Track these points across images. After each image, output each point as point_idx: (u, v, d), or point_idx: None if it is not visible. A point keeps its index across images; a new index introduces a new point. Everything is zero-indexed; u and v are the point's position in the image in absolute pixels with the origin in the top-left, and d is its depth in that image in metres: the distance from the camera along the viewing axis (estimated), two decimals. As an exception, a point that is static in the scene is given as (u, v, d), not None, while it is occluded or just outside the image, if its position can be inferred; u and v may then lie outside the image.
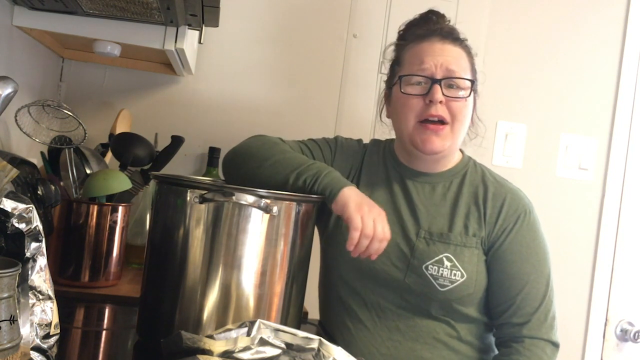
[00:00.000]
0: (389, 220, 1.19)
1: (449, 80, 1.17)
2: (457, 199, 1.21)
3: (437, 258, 1.16)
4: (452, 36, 1.21)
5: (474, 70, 1.23)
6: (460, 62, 1.19)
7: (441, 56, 1.18)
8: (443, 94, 1.16)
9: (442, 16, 1.28)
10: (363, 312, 1.20)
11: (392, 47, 1.30)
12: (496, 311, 1.19)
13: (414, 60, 1.20)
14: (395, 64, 1.26)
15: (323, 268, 1.30)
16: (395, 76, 1.23)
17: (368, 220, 1.01)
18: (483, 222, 1.19)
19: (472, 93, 1.19)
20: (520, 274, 1.17)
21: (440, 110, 1.16)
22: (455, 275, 1.14)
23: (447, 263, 1.15)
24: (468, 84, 1.18)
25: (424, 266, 1.15)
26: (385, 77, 1.32)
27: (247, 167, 1.17)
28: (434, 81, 1.16)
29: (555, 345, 1.17)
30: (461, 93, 1.18)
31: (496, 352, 1.23)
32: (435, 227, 1.19)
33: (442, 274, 1.14)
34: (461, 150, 1.30)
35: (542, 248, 1.20)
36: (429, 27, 1.24)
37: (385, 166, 1.28)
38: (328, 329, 1.26)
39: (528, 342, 1.16)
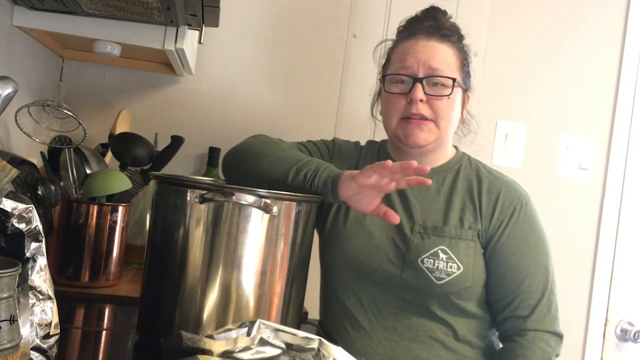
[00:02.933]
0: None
1: (432, 78, 1.17)
2: (451, 194, 1.21)
3: (432, 251, 1.15)
4: (439, 33, 1.20)
5: (464, 68, 1.23)
6: (446, 59, 1.18)
7: (423, 54, 1.18)
8: (425, 92, 1.16)
9: (443, 12, 1.26)
10: (359, 313, 1.20)
11: (388, 45, 1.29)
12: (499, 306, 1.19)
13: (398, 59, 1.21)
14: (386, 62, 1.27)
15: (322, 269, 1.29)
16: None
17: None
18: (479, 215, 1.18)
19: (454, 90, 1.17)
20: (520, 267, 1.17)
21: (421, 109, 1.16)
22: (451, 267, 1.14)
23: (442, 255, 1.15)
24: (451, 82, 1.17)
25: (419, 260, 1.15)
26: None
27: (246, 164, 1.17)
28: (415, 80, 1.17)
29: (559, 336, 1.17)
30: (445, 91, 1.17)
31: (496, 350, 1.23)
32: (429, 221, 1.18)
33: (437, 267, 1.14)
34: (455, 147, 1.29)
35: (541, 239, 1.20)
36: (418, 24, 1.22)
37: None
38: (327, 330, 1.26)
39: (532, 335, 1.15)
